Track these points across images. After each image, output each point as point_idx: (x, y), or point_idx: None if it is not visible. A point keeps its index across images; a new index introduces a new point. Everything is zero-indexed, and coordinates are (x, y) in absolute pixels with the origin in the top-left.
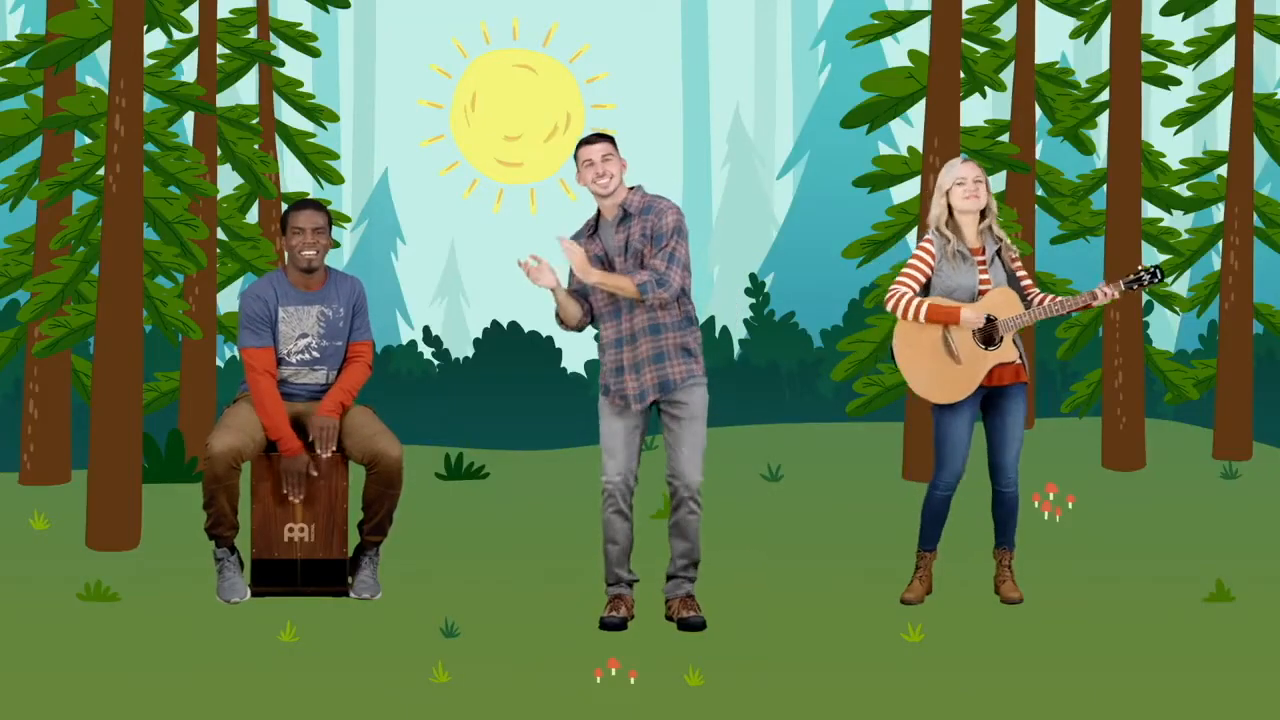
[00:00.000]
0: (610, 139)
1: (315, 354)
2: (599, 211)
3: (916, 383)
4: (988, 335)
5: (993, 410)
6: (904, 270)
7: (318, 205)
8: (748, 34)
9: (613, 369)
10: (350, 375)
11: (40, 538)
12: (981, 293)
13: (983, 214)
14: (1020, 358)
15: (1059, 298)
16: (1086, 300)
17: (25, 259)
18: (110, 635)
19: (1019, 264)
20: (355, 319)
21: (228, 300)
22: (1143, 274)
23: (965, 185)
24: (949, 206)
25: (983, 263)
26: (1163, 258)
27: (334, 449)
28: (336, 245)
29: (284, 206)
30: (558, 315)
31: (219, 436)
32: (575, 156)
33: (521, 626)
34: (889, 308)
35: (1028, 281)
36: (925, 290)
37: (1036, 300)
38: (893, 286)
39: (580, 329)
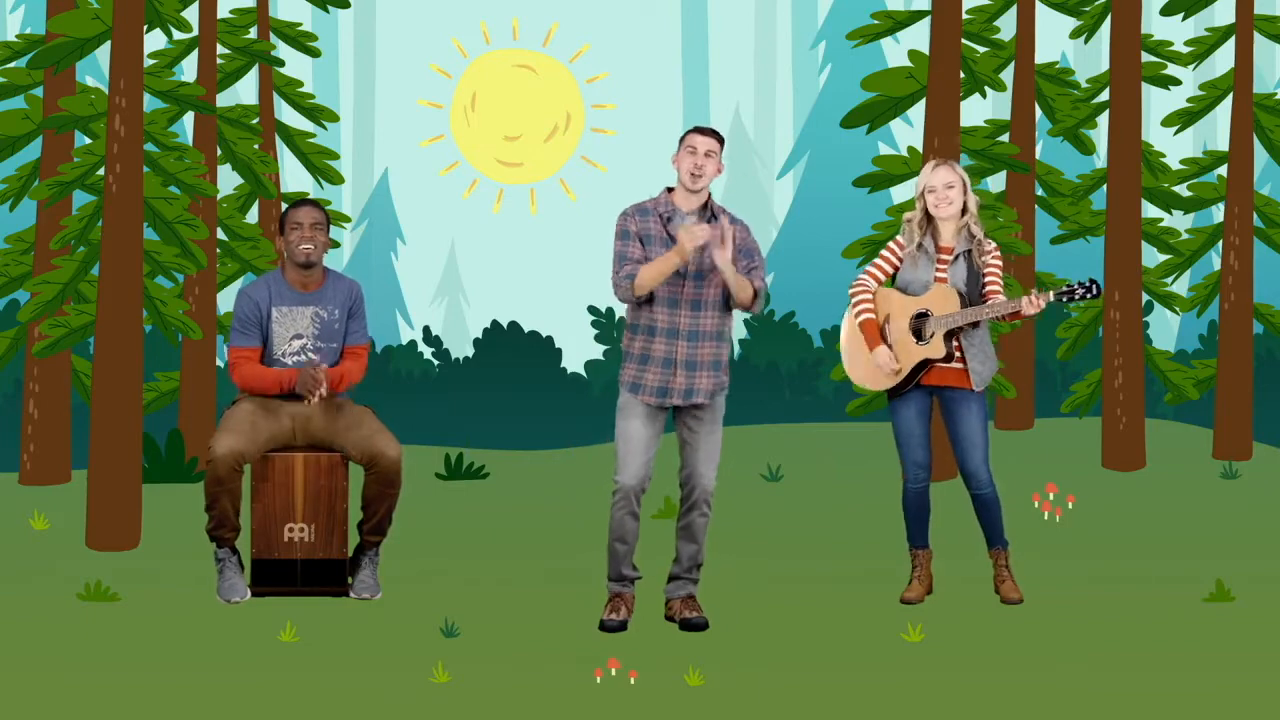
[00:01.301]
0: (721, 139)
1: (311, 355)
2: (671, 197)
3: (854, 370)
4: (918, 330)
5: (946, 416)
6: (872, 262)
7: (315, 203)
8: (748, 34)
9: (661, 359)
10: (345, 365)
11: (40, 538)
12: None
13: (963, 211)
14: (967, 364)
15: (994, 301)
16: (1015, 307)
17: (25, 259)
18: (110, 635)
19: (993, 268)
20: (351, 321)
21: (228, 300)
22: (1076, 288)
23: (936, 193)
24: (925, 209)
25: (944, 261)
26: (1163, 258)
27: (320, 392)
28: (336, 245)
29: (284, 206)
30: (633, 279)
31: (221, 439)
32: (681, 139)
33: (521, 626)
34: (850, 295)
35: (992, 287)
36: (893, 280)
37: (981, 303)
38: (858, 278)
39: (637, 301)
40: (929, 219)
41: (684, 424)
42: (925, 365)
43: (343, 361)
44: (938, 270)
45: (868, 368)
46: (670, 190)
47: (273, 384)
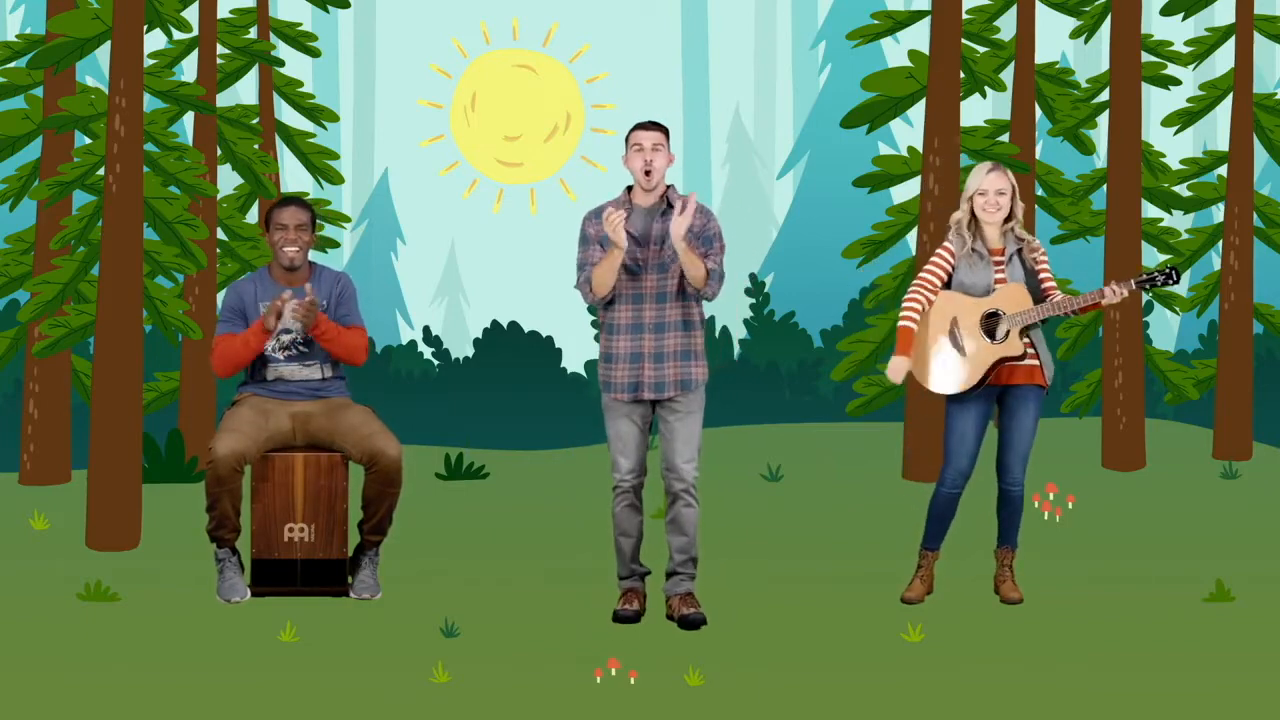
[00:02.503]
0: (665, 130)
1: (303, 348)
2: (630, 195)
3: (922, 374)
4: (991, 329)
5: (1004, 410)
6: (924, 271)
7: (301, 202)
8: (748, 34)
9: (627, 354)
10: (347, 329)
11: (40, 538)
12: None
13: (1008, 218)
14: (1039, 360)
15: (1068, 296)
16: (1095, 299)
17: (25, 259)
18: (110, 635)
19: (1044, 264)
20: (340, 307)
21: None
22: (1156, 275)
23: (986, 197)
24: (972, 210)
25: (1000, 263)
26: (1163, 257)
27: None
28: (336, 245)
29: None
30: (589, 283)
31: (222, 440)
32: (626, 138)
33: (521, 626)
34: (901, 303)
35: (1049, 283)
36: (947, 285)
37: (1048, 298)
38: (910, 289)
39: (602, 303)
40: (975, 221)
41: (661, 416)
42: (998, 364)
43: None
44: (996, 271)
45: (936, 369)
46: (630, 189)
47: (242, 346)
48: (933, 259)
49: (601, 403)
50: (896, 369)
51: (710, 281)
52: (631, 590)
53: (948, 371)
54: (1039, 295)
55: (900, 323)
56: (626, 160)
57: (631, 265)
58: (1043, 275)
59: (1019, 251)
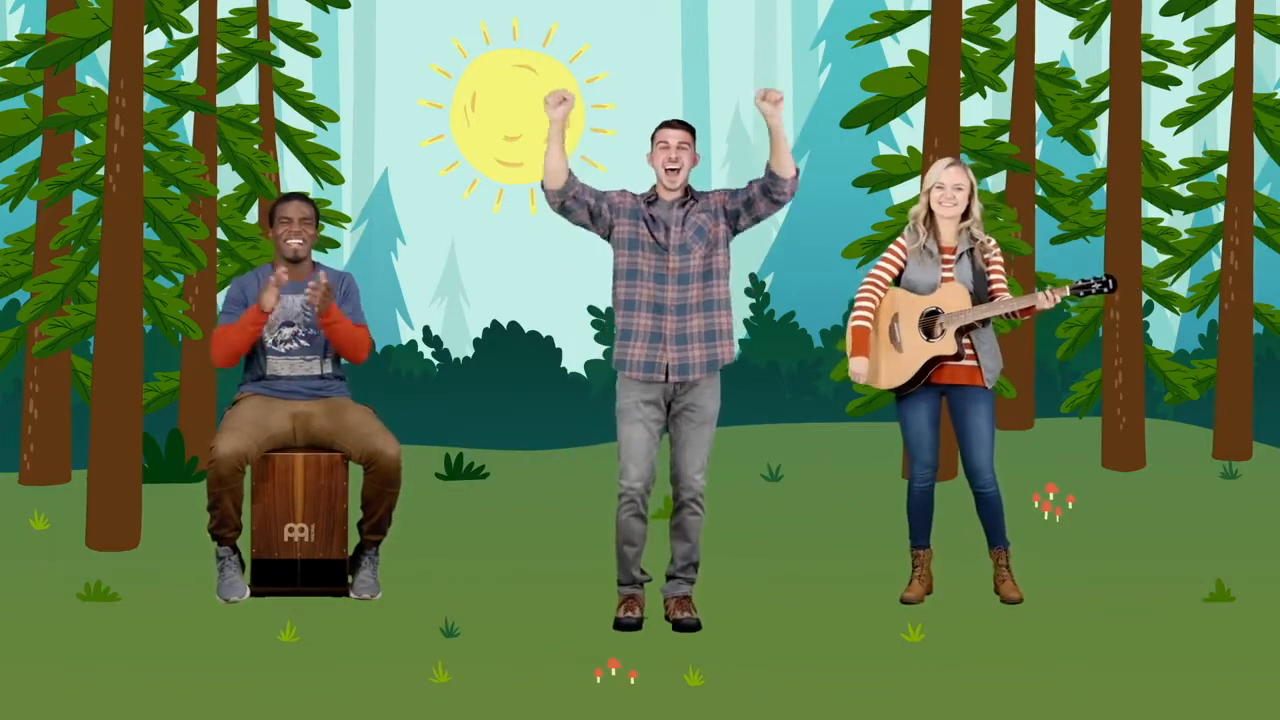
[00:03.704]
0: (692, 130)
1: (305, 342)
2: (655, 190)
3: (859, 367)
4: (928, 327)
5: (954, 412)
6: (874, 270)
7: (305, 197)
8: (748, 34)
9: (647, 333)
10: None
11: (40, 538)
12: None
13: (965, 215)
14: (979, 361)
15: (1005, 298)
16: (1030, 302)
17: (25, 259)
18: (110, 635)
19: (996, 266)
20: (344, 304)
21: None
22: (1093, 283)
23: (944, 191)
24: (929, 204)
25: (949, 261)
26: (1163, 258)
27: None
28: (336, 245)
29: None
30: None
31: (223, 439)
32: (653, 136)
33: (521, 626)
34: (855, 299)
35: (998, 285)
36: (898, 281)
37: (989, 300)
38: (864, 282)
39: (559, 191)
40: (931, 217)
41: (674, 421)
42: (934, 363)
43: None
44: (944, 269)
45: (874, 364)
46: (654, 186)
47: (239, 332)
48: (883, 256)
49: (616, 405)
50: (858, 370)
51: (797, 174)
52: (632, 597)
53: (885, 368)
54: (985, 297)
55: (854, 323)
56: (650, 157)
57: (655, 244)
58: (993, 277)
59: (970, 251)
